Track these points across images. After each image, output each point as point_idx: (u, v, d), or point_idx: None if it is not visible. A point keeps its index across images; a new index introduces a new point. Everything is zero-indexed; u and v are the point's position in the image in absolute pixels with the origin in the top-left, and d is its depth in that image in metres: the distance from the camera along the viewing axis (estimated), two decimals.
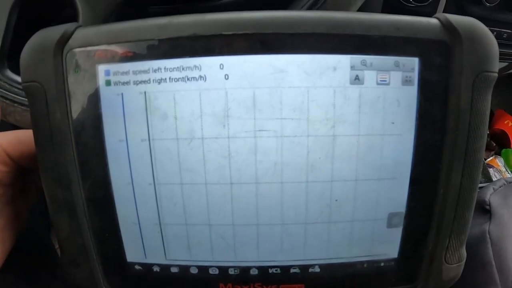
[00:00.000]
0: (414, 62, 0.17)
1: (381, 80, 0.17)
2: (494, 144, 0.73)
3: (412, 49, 0.17)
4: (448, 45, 0.17)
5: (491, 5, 0.38)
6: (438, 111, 0.18)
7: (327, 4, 0.24)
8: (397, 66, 0.17)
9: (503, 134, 0.72)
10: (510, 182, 0.33)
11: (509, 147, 0.72)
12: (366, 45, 0.17)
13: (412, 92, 0.17)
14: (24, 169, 0.21)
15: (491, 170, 0.65)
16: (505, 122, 0.72)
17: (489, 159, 0.69)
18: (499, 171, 0.66)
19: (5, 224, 0.20)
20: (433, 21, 0.18)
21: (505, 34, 0.41)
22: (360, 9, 0.27)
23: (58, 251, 0.21)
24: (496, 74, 0.18)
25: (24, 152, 0.20)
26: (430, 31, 0.17)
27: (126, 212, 0.19)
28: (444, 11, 0.38)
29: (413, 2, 0.36)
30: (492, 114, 0.75)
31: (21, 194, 0.22)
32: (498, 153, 0.72)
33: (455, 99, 0.17)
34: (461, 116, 0.17)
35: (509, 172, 0.68)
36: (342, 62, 0.17)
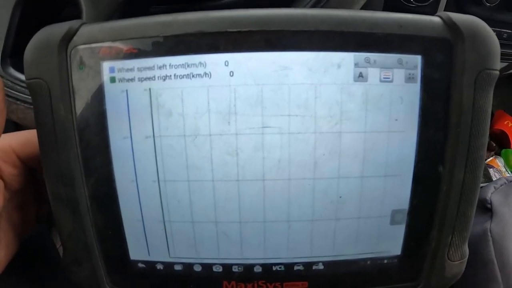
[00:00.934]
0: (417, 59, 0.17)
1: (384, 78, 0.17)
2: (494, 145, 0.73)
3: (415, 47, 0.17)
4: (451, 43, 0.17)
5: (491, 5, 0.38)
6: (441, 108, 0.18)
7: (331, 2, 0.24)
8: (400, 63, 0.17)
9: (503, 135, 0.72)
10: (511, 181, 0.33)
11: (509, 148, 0.72)
12: (369, 43, 0.17)
13: (415, 90, 0.17)
14: (34, 173, 0.21)
15: (491, 171, 0.65)
16: (505, 123, 0.72)
17: (489, 160, 0.69)
18: (499, 171, 0.66)
19: (11, 229, 0.20)
20: (435, 19, 0.18)
21: (505, 34, 0.41)
22: (362, 9, 0.27)
23: (60, 250, 0.21)
24: (498, 72, 0.18)
25: (33, 152, 0.19)
26: (432, 29, 0.17)
27: (129, 209, 0.19)
28: (445, 11, 0.38)
29: (413, 2, 0.36)
30: (492, 114, 0.75)
31: (32, 201, 0.22)
32: (498, 154, 0.73)
33: (457, 96, 0.17)
34: (463, 113, 0.17)
35: (509, 172, 0.68)
36: (346, 59, 0.17)
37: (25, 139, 0.20)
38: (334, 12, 0.17)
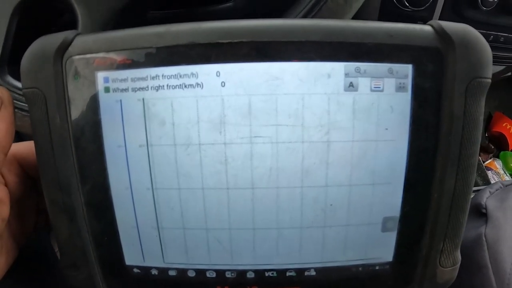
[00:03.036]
0: (407, 69, 0.17)
1: (375, 87, 0.17)
2: (493, 147, 0.73)
3: (405, 56, 0.17)
4: (441, 52, 0.17)
5: (488, 9, 0.38)
6: (432, 117, 0.18)
7: (322, 12, 0.24)
8: (391, 73, 0.17)
9: (502, 137, 0.72)
10: (506, 186, 0.33)
11: (508, 150, 0.72)
12: (360, 53, 0.17)
13: (405, 99, 0.18)
14: (35, 182, 0.21)
15: (489, 173, 0.65)
16: (504, 125, 0.72)
17: (487, 162, 0.69)
18: (498, 174, 0.66)
19: (11, 237, 0.20)
20: (426, 28, 0.18)
21: (502, 38, 0.41)
22: (357, 14, 0.27)
23: (58, 254, 0.21)
24: (490, 80, 0.18)
25: (35, 162, 0.20)
26: (423, 38, 0.17)
27: (124, 216, 0.19)
28: (441, 16, 0.38)
29: (409, 7, 0.36)
30: (490, 117, 0.76)
31: (31, 210, 0.22)
32: (496, 156, 0.72)
33: (448, 105, 0.18)
34: (454, 122, 0.18)
35: (508, 174, 0.68)
36: (336, 69, 0.17)
37: (28, 149, 0.20)
38: (325, 22, 0.17)
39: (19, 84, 0.25)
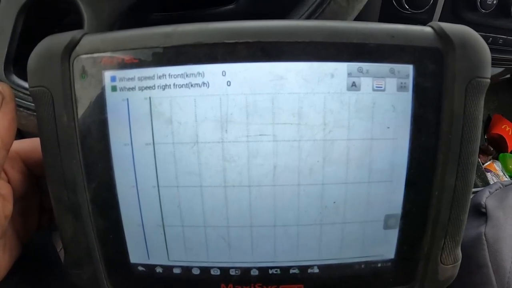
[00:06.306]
0: (408, 69, 0.18)
1: (377, 87, 0.18)
2: (492, 149, 0.73)
3: (407, 57, 0.18)
4: (442, 52, 0.18)
5: (487, 11, 0.39)
6: (432, 116, 0.18)
7: (325, 13, 0.24)
8: (392, 73, 0.18)
9: (501, 139, 0.72)
10: (506, 186, 0.33)
11: (507, 152, 0.72)
12: (362, 53, 0.17)
13: (407, 98, 0.18)
14: (38, 180, 0.21)
15: (488, 175, 0.65)
16: (503, 127, 0.72)
17: (486, 164, 0.70)
18: (497, 176, 0.66)
19: (15, 234, 0.21)
20: (427, 29, 0.18)
21: (500, 40, 0.41)
22: (358, 17, 0.27)
23: (61, 254, 0.21)
24: (489, 80, 0.18)
25: (39, 159, 0.20)
26: (424, 39, 0.18)
27: (130, 214, 0.19)
28: (440, 18, 0.39)
29: (409, 9, 0.36)
30: (489, 119, 0.76)
31: (35, 208, 0.22)
32: (495, 158, 0.73)
33: (448, 104, 0.18)
34: (454, 120, 0.18)
35: (507, 176, 0.68)
36: (339, 69, 0.17)
37: (31, 146, 0.20)
38: (328, 23, 0.18)
39: (24, 84, 0.25)
